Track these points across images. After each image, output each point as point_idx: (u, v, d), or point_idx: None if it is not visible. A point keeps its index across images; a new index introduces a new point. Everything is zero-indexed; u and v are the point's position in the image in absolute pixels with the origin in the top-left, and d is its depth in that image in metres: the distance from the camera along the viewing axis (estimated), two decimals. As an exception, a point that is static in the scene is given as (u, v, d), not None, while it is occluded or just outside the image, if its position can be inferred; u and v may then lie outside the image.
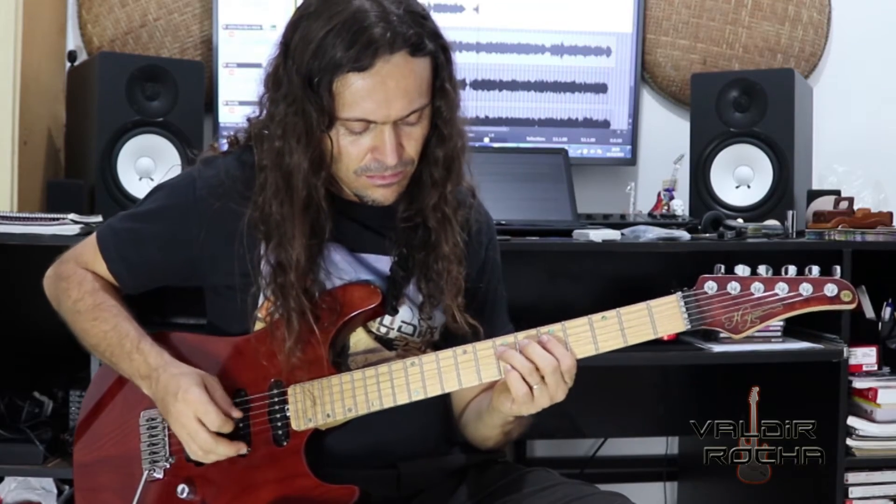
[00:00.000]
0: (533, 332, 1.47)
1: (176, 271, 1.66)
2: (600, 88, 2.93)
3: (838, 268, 1.42)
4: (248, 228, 1.55)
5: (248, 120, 1.62)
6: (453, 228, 1.59)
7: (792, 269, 1.41)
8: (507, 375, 1.45)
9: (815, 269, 1.41)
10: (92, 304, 1.63)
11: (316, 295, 1.55)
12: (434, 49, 1.49)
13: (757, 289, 1.41)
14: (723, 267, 1.43)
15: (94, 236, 1.69)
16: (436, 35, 1.50)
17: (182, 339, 1.64)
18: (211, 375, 1.55)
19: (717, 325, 1.42)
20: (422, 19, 1.49)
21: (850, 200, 2.62)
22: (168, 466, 1.60)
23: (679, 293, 1.43)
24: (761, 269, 1.41)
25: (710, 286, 1.42)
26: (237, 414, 1.53)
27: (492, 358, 1.47)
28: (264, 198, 1.54)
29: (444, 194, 1.58)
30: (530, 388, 1.44)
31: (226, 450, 1.52)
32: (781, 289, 1.40)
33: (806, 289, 1.40)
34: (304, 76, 1.47)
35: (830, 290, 1.40)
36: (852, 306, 1.41)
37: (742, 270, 1.42)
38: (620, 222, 2.57)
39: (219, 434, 1.51)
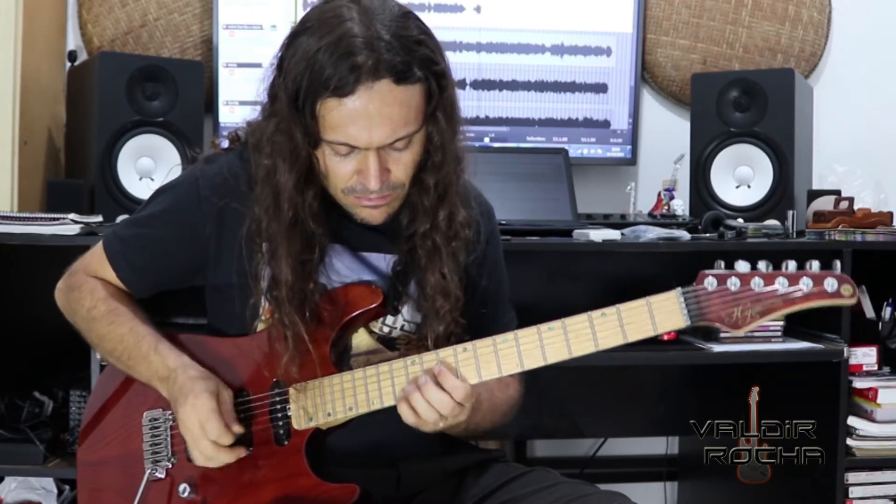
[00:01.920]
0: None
1: (184, 272, 1.66)
2: (600, 88, 2.93)
3: (838, 262, 1.40)
4: (248, 237, 1.56)
5: (248, 123, 1.62)
6: (442, 260, 1.57)
7: (792, 265, 1.40)
8: (398, 405, 1.48)
9: (816, 264, 1.40)
10: (106, 311, 1.63)
11: (317, 297, 1.55)
12: (424, 76, 1.46)
13: (757, 284, 1.40)
14: (723, 263, 1.43)
15: (100, 245, 1.69)
16: (429, 61, 1.47)
17: (186, 339, 1.64)
18: (227, 387, 1.56)
19: (716, 320, 1.41)
20: (414, 45, 1.46)
21: (850, 200, 2.62)
22: (170, 466, 1.60)
23: (679, 289, 1.42)
24: (761, 265, 1.41)
25: (710, 282, 1.41)
26: (237, 429, 1.53)
27: (492, 356, 1.47)
28: (259, 211, 1.54)
29: (435, 223, 1.56)
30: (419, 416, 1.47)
31: (225, 457, 1.52)
32: (781, 283, 1.39)
33: (806, 283, 1.39)
34: (292, 94, 1.46)
35: (830, 284, 1.39)
36: (853, 301, 1.40)
37: (742, 266, 1.41)
38: (620, 222, 2.57)
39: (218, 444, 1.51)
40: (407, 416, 1.47)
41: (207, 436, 1.50)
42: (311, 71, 1.43)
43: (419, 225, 1.57)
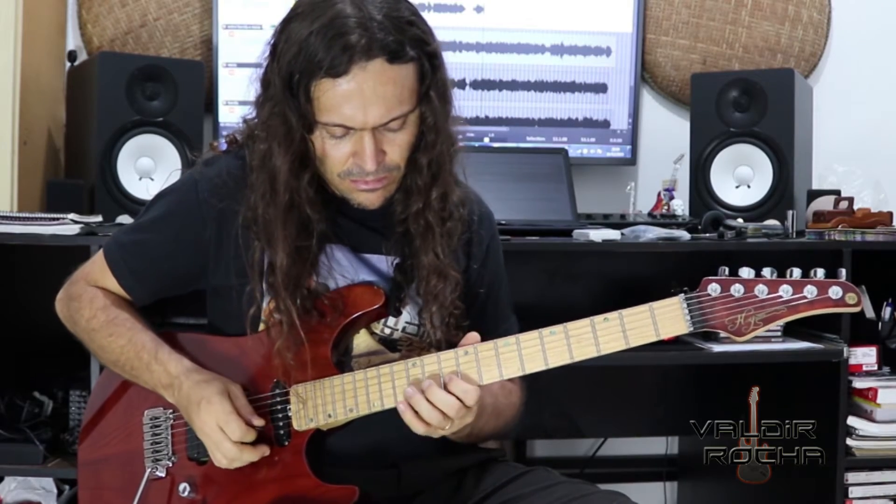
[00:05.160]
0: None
1: (185, 276, 1.65)
2: (600, 88, 2.93)
3: (843, 270, 1.41)
4: (243, 228, 1.56)
5: (244, 120, 1.62)
6: (435, 239, 1.57)
7: (797, 272, 1.40)
8: (402, 415, 1.45)
9: (821, 272, 1.40)
10: (105, 321, 1.63)
11: (319, 295, 1.55)
12: (417, 56, 1.48)
13: (760, 291, 1.40)
14: (727, 269, 1.42)
15: (100, 253, 1.68)
16: (420, 41, 1.48)
17: (187, 339, 1.65)
18: (234, 382, 1.55)
19: (719, 327, 1.41)
20: (406, 25, 1.47)
21: (850, 200, 2.62)
22: (170, 465, 1.61)
23: (682, 295, 1.42)
24: (765, 272, 1.40)
25: (714, 288, 1.41)
26: (259, 422, 1.53)
27: (493, 359, 1.47)
28: (254, 199, 1.54)
29: (428, 202, 1.57)
30: (429, 424, 1.45)
31: (250, 456, 1.52)
32: (785, 291, 1.39)
33: (810, 291, 1.39)
34: (285, 78, 1.47)
35: (835, 292, 1.39)
36: (857, 309, 1.40)
37: (746, 273, 1.41)
38: (620, 222, 2.57)
39: (242, 443, 1.51)
40: (412, 422, 1.45)
41: (230, 437, 1.49)
42: (304, 53, 1.44)
43: (412, 204, 1.57)
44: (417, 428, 1.46)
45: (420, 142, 1.54)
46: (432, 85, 1.51)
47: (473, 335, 1.49)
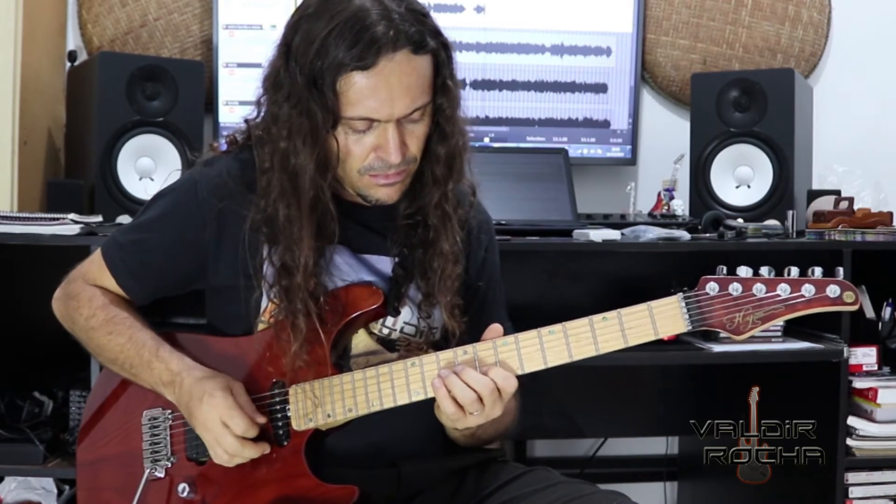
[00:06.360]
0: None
1: (184, 276, 1.65)
2: (600, 88, 2.94)
3: (841, 269, 1.41)
4: (251, 231, 1.55)
5: (246, 121, 1.62)
6: (453, 226, 1.59)
7: (794, 271, 1.41)
8: (435, 392, 1.45)
9: (818, 271, 1.40)
10: (104, 319, 1.62)
11: (319, 296, 1.54)
12: (435, 46, 1.49)
13: (759, 290, 1.40)
14: (725, 268, 1.43)
15: (98, 252, 1.68)
16: (436, 32, 1.51)
17: (186, 339, 1.64)
18: (236, 381, 1.55)
19: (718, 326, 1.42)
20: (422, 17, 1.49)
21: (850, 200, 2.62)
22: (169, 465, 1.60)
23: (680, 294, 1.42)
24: (763, 271, 1.41)
25: (712, 287, 1.42)
26: (261, 419, 1.53)
27: (492, 359, 1.47)
28: (267, 200, 1.53)
29: (445, 192, 1.58)
30: (461, 407, 1.44)
31: (251, 452, 1.51)
32: (783, 290, 1.40)
33: (808, 290, 1.40)
34: (308, 77, 1.46)
35: (833, 291, 1.40)
36: (855, 307, 1.41)
37: (744, 272, 1.41)
38: (620, 222, 2.58)
39: (244, 438, 1.51)
40: (443, 401, 1.44)
41: (233, 431, 1.49)
42: (328, 50, 1.44)
43: (430, 195, 1.57)
44: (447, 407, 1.45)
45: (436, 133, 1.55)
46: (448, 75, 1.53)
47: (497, 327, 1.49)
